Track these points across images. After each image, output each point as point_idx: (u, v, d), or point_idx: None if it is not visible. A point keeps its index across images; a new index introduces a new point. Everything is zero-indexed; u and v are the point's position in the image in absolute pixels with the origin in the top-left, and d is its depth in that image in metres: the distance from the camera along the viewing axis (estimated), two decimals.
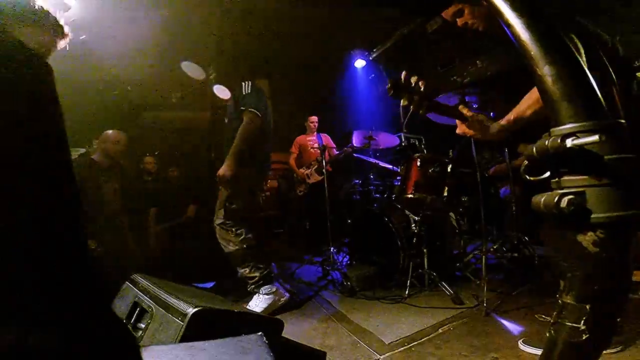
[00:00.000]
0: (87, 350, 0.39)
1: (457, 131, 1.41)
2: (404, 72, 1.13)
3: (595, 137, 0.44)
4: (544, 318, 1.82)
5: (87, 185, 2.59)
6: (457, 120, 1.38)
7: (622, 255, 0.46)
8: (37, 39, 0.76)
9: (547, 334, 0.51)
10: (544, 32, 0.50)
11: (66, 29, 0.82)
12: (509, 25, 0.51)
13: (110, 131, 2.85)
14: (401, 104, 1.15)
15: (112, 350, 0.41)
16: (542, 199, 0.48)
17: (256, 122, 2.32)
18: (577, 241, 0.47)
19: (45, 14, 0.74)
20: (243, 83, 2.41)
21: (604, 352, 1.33)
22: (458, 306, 2.13)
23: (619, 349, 1.40)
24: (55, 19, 0.78)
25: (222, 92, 2.56)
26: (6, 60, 0.38)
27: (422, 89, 1.16)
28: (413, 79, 1.13)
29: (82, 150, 2.91)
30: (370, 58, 4.93)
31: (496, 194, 3.07)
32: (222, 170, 2.27)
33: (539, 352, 1.39)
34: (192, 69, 4.12)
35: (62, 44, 0.84)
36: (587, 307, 0.47)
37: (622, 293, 0.49)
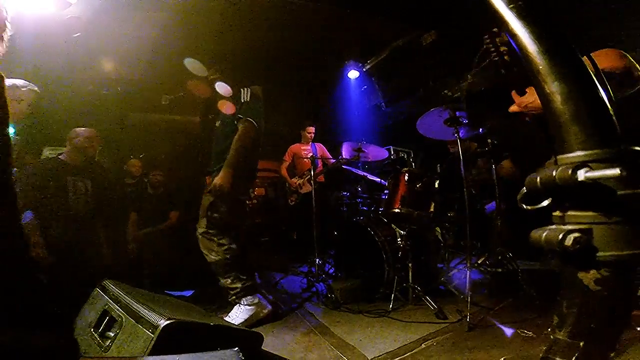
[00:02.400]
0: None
1: (511, 108, 1.50)
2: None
3: (616, 172, 0.38)
4: (527, 333, 1.81)
5: (51, 185, 2.46)
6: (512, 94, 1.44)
7: (624, 294, 0.43)
8: None
9: None
10: (554, 43, 0.43)
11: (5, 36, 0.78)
12: (513, 35, 0.45)
13: (81, 128, 2.74)
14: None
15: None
16: (544, 235, 0.44)
17: (252, 132, 2.30)
18: (578, 278, 0.43)
19: None
20: (241, 90, 2.39)
21: None
22: (441, 321, 2.11)
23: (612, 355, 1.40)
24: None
25: (223, 89, 2.53)
26: None
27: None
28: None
29: (63, 149, 2.81)
30: (364, 69, 4.98)
31: (482, 210, 3.10)
32: (220, 180, 2.20)
33: None
34: (194, 66, 4.08)
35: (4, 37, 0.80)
36: (581, 344, 0.44)
37: (617, 332, 0.46)
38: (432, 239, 2.93)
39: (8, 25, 0.76)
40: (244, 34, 3.86)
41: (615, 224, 0.40)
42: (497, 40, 1.20)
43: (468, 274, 2.16)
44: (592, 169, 0.39)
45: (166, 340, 0.91)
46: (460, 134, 2.31)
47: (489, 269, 2.60)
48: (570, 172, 0.40)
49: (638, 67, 1.21)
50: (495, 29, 1.28)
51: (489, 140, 2.61)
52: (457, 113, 2.30)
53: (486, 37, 1.38)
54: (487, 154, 2.66)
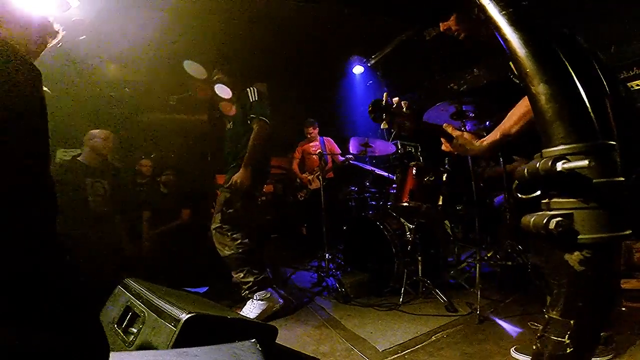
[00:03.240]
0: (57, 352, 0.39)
1: (443, 148, 1.41)
2: (385, 94, 1.13)
3: (585, 162, 0.44)
4: (537, 326, 1.83)
5: (69, 188, 2.53)
6: (442, 139, 1.39)
7: (607, 274, 0.48)
8: (24, 40, 0.74)
9: (534, 347, 0.52)
10: (541, 49, 0.49)
11: (56, 27, 0.81)
12: (505, 40, 0.50)
13: (96, 130, 2.81)
14: (381, 127, 1.15)
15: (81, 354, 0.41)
16: (532, 220, 0.49)
17: (266, 129, 2.36)
18: (564, 260, 0.48)
19: (28, 14, 0.72)
20: (248, 90, 2.43)
21: None
22: (451, 314, 2.14)
23: (610, 356, 1.42)
24: (44, 18, 0.76)
25: (223, 91, 2.57)
26: None
27: (405, 110, 1.15)
28: (395, 100, 1.14)
29: (78, 152, 2.88)
30: (369, 65, 4.97)
31: (491, 203, 3.10)
32: (239, 178, 2.28)
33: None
34: (194, 68, 4.12)
35: (53, 43, 0.83)
36: (571, 322, 0.48)
37: (605, 309, 0.50)
38: (441, 232, 2.94)
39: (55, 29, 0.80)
40: (249, 32, 3.88)
41: (592, 209, 0.46)
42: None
43: (478, 267, 2.18)
44: (569, 160, 0.45)
45: (188, 334, 0.96)
46: (466, 127, 2.31)
47: (498, 262, 2.61)
48: (550, 163, 0.46)
49: None
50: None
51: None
52: (464, 107, 2.30)
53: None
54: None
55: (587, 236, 0.46)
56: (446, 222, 3.02)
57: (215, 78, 2.59)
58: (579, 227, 0.46)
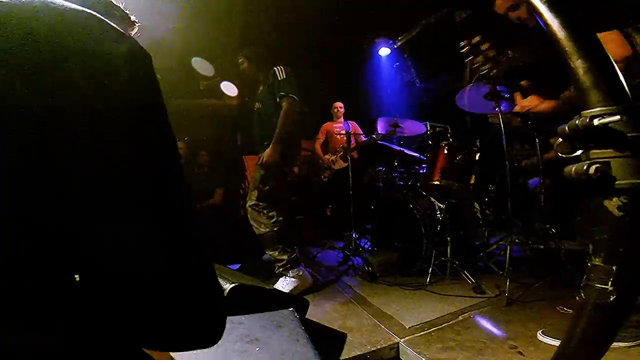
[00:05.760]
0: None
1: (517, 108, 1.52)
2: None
3: (617, 117, 0.50)
4: (565, 310, 1.81)
5: None
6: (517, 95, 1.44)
7: None
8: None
9: (577, 297, 0.56)
10: (578, 30, 0.56)
11: (132, 18, 0.85)
12: (547, 25, 0.58)
13: None
14: (472, 64, 1.25)
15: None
16: (574, 168, 0.55)
17: (295, 106, 2.40)
18: (604, 206, 0.53)
19: (116, 7, 0.77)
20: (276, 69, 2.45)
21: (623, 345, 1.34)
22: (479, 295, 2.15)
23: (638, 342, 1.40)
24: (125, 12, 0.81)
25: (229, 89, 2.62)
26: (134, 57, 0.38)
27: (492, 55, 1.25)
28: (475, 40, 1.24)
29: None
30: (395, 47, 4.83)
31: (524, 185, 3.00)
32: (268, 155, 2.33)
33: (557, 343, 1.41)
34: (201, 65, 4.21)
35: (132, 33, 0.88)
36: (614, 268, 0.51)
37: None
38: (471, 214, 2.90)
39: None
40: (273, 14, 3.86)
41: (627, 157, 0.51)
42: (480, 48, 1.25)
43: (508, 249, 2.15)
44: (604, 117, 0.52)
45: (232, 302, 1.05)
46: (501, 108, 2.23)
47: (530, 245, 2.56)
48: (587, 120, 0.53)
49: None
50: (477, 38, 1.33)
51: (531, 115, 2.49)
52: (498, 87, 2.21)
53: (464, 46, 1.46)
54: (530, 129, 2.55)
55: (624, 181, 0.51)
56: (476, 204, 2.97)
57: (241, 65, 2.63)
58: (616, 174, 0.51)
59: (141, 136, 0.36)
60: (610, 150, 0.52)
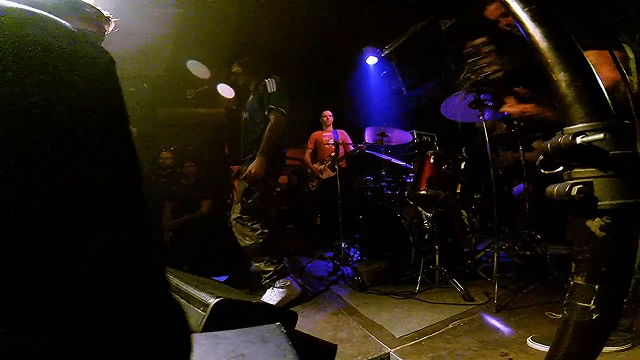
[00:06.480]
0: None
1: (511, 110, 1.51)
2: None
3: (601, 135, 0.49)
4: (554, 316, 1.82)
5: None
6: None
7: (626, 239, 0.51)
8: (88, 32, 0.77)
9: (561, 315, 0.56)
10: (560, 41, 0.54)
11: (106, 13, 0.83)
12: (529, 35, 0.56)
13: None
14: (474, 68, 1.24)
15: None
16: (556, 188, 0.54)
17: (283, 120, 2.38)
18: (586, 226, 0.52)
19: (87, 4, 0.75)
20: (267, 81, 2.45)
21: (613, 349, 1.34)
22: (468, 302, 2.15)
23: (628, 346, 1.41)
24: (97, 9, 0.79)
25: (226, 91, 2.61)
26: (84, 59, 0.36)
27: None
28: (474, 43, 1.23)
29: None
30: (382, 55, 4.90)
31: (509, 192, 3.05)
32: (254, 167, 2.31)
33: (547, 349, 1.41)
34: (197, 68, 4.19)
35: (109, 30, 0.85)
36: (596, 287, 0.51)
37: (626, 274, 0.53)
38: (459, 221, 2.92)
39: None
40: (262, 24, 3.88)
41: (610, 177, 0.50)
42: (484, 50, 1.25)
43: (495, 256, 2.17)
44: (587, 135, 0.51)
45: (216, 318, 1.01)
46: (485, 116, 2.28)
47: (516, 252, 2.59)
48: (570, 138, 0.52)
49: (631, 78, 1.18)
50: (482, 39, 1.32)
51: (515, 122, 2.55)
52: (482, 96, 2.26)
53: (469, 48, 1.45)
54: (514, 135, 2.61)
55: (606, 202, 0.50)
56: (463, 211, 3.00)
57: (233, 71, 2.62)
58: (599, 194, 0.50)
59: (98, 138, 0.36)
60: (593, 169, 0.51)
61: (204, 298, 1.05)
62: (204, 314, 1.03)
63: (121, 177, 0.37)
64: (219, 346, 0.91)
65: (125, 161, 0.39)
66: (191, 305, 1.12)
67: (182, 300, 1.17)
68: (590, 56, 0.57)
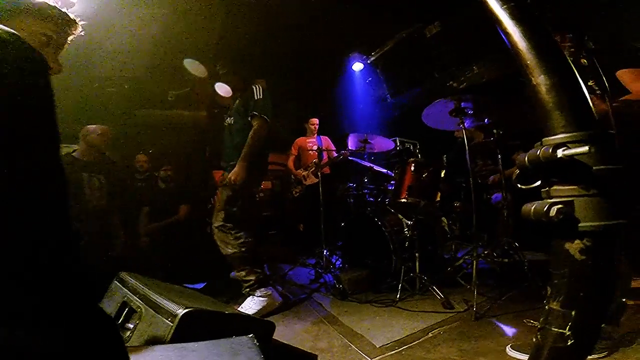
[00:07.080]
0: (73, 350, 0.38)
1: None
2: None
3: (585, 149, 0.44)
4: (532, 323, 1.84)
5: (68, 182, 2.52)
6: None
7: (608, 263, 0.47)
8: (40, 31, 0.75)
9: (534, 340, 0.52)
10: (541, 41, 0.49)
11: (72, 16, 0.83)
12: (506, 34, 0.51)
13: (92, 125, 2.81)
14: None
15: (99, 350, 0.40)
16: (532, 208, 0.49)
17: (265, 128, 2.36)
18: (565, 248, 0.48)
19: (52, 7, 0.75)
20: (254, 87, 2.42)
21: (590, 357, 1.34)
22: (448, 310, 2.15)
23: (604, 354, 1.43)
24: (62, 11, 0.78)
25: (223, 89, 2.56)
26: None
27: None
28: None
29: (75, 147, 2.86)
30: (368, 62, 4.95)
31: (488, 200, 3.11)
32: (234, 175, 2.27)
33: (525, 357, 1.41)
34: (194, 66, 4.11)
35: (76, 33, 0.85)
36: (573, 313, 0.47)
37: (606, 300, 0.50)
38: (439, 229, 2.95)
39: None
40: (247, 28, 3.85)
41: (592, 196, 0.45)
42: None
43: (475, 264, 2.18)
44: (569, 147, 0.45)
45: (185, 329, 0.96)
46: (465, 124, 2.31)
47: (495, 259, 2.62)
48: (550, 150, 0.46)
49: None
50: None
51: (495, 131, 2.61)
52: (462, 104, 2.30)
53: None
54: (493, 144, 2.66)
55: (587, 224, 0.45)
56: (443, 219, 3.02)
57: (220, 73, 2.57)
58: (580, 215, 0.46)
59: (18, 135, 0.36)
60: (575, 187, 0.46)
61: (172, 308, 0.99)
62: (171, 324, 0.97)
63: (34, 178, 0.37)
64: (185, 358, 0.86)
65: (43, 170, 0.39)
66: (159, 316, 1.05)
67: (150, 310, 1.11)
68: (626, 73, 0.53)
